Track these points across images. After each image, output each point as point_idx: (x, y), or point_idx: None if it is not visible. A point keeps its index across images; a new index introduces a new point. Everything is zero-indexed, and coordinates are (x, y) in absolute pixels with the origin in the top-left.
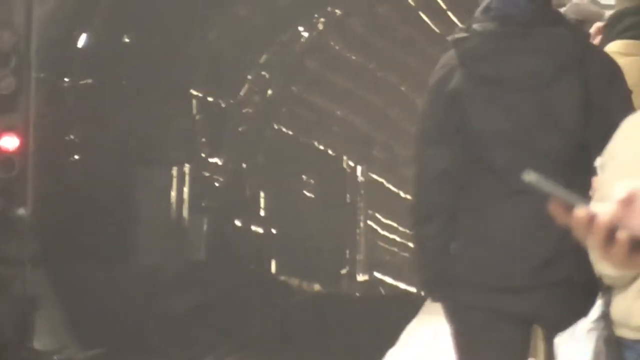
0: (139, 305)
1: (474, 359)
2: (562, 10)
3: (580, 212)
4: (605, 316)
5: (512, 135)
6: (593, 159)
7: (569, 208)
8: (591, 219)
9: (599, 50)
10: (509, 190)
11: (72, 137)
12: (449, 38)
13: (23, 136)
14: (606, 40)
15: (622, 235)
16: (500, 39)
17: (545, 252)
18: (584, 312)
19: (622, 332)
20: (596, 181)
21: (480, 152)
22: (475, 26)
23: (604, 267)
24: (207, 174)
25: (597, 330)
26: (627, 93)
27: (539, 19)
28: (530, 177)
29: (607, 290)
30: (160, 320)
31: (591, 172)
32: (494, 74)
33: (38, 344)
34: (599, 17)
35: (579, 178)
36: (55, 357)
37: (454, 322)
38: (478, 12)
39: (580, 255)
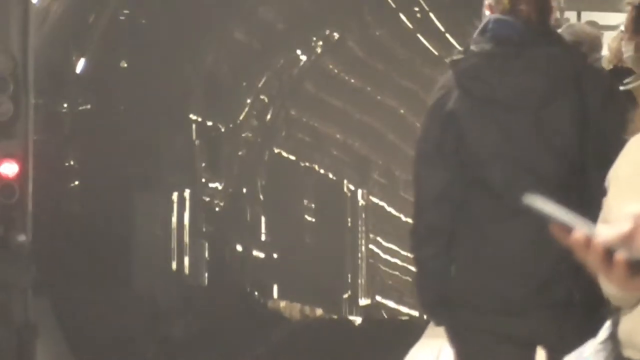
0: (140, 331)
1: None
2: (557, 31)
3: (577, 234)
4: (613, 337)
5: (509, 156)
6: (590, 179)
7: (570, 230)
8: (588, 240)
9: (595, 69)
10: (507, 211)
11: (71, 162)
12: (447, 60)
13: (22, 163)
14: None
15: (619, 257)
16: (495, 59)
17: (543, 273)
18: (588, 333)
19: (629, 353)
20: (604, 201)
21: (477, 173)
22: (472, 47)
23: (609, 287)
24: (207, 199)
25: (605, 351)
26: (624, 111)
27: (534, 38)
28: (531, 199)
29: (616, 311)
30: (161, 346)
31: (588, 192)
32: (490, 94)
33: None
34: (594, 38)
35: (576, 198)
36: None
37: (455, 345)
38: (476, 33)
39: (581, 276)
